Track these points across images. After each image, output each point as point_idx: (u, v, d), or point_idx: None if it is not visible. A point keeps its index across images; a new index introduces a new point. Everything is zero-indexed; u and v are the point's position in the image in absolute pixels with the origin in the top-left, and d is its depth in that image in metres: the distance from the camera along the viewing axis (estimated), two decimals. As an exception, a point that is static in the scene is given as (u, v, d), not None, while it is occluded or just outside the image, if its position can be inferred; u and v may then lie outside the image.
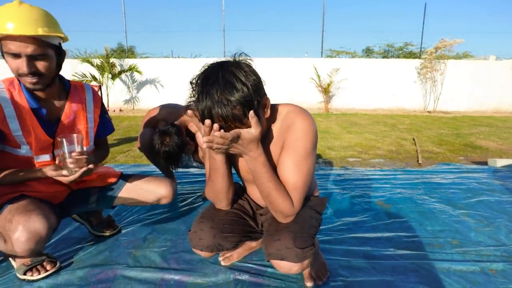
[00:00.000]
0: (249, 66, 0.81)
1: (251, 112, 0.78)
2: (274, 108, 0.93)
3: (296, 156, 0.87)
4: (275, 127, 0.92)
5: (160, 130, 1.70)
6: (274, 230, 0.93)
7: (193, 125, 1.90)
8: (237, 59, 0.82)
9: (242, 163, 1.00)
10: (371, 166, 2.86)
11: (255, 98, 0.79)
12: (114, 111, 7.75)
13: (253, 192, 1.11)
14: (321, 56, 9.17)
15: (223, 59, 0.85)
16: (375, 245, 1.35)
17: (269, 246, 0.90)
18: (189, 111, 0.81)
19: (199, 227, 1.01)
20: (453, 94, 8.17)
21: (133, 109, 8.40)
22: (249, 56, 0.84)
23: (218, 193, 1.01)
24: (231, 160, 1.02)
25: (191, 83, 0.82)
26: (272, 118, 0.92)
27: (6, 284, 1.11)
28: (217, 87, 0.75)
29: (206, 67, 0.81)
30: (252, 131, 0.81)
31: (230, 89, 0.75)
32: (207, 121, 0.76)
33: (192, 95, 0.81)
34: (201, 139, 0.82)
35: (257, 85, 0.80)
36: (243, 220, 1.08)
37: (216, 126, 0.77)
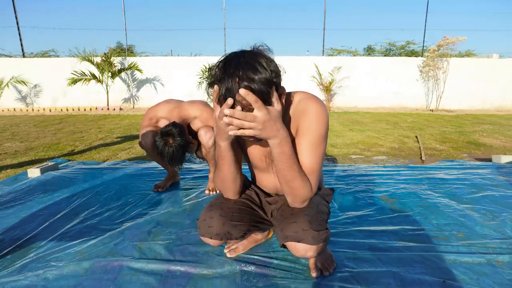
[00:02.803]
0: (268, 55, 0.82)
1: (273, 89, 0.80)
2: (287, 95, 0.95)
3: (311, 140, 0.89)
4: (289, 114, 0.94)
5: (163, 132, 1.66)
6: (289, 214, 0.95)
7: (195, 123, 1.88)
8: (256, 48, 0.83)
9: (255, 150, 1.01)
10: (374, 163, 2.85)
11: (276, 82, 0.80)
12: (114, 109, 7.75)
13: (264, 180, 1.11)
14: (322, 55, 9.16)
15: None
16: (380, 237, 1.35)
17: (285, 229, 0.91)
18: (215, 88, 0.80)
19: (209, 215, 1.01)
20: (456, 92, 8.14)
21: (133, 107, 8.41)
22: (268, 47, 0.84)
23: (224, 181, 1.01)
24: (244, 149, 1.03)
25: (210, 69, 0.83)
26: (286, 105, 0.94)
27: (13, 274, 1.11)
28: (240, 69, 0.76)
29: (227, 55, 0.82)
30: (276, 106, 0.81)
31: (253, 70, 0.76)
32: (229, 100, 0.75)
33: (212, 79, 0.81)
34: (217, 120, 0.80)
35: (277, 72, 0.81)
36: (251, 210, 1.09)
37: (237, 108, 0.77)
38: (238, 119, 0.76)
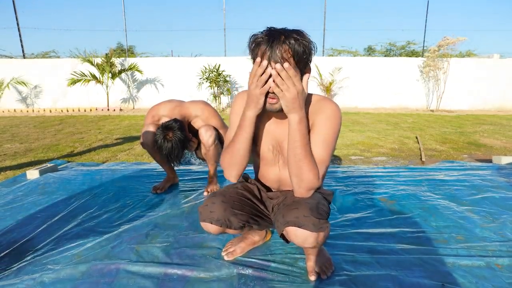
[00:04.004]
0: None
1: (306, 76, 0.91)
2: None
3: (324, 133, 0.95)
4: (306, 110, 0.98)
5: (163, 125, 1.69)
6: (291, 202, 0.97)
7: (196, 121, 1.89)
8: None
9: (265, 139, 1.05)
10: (373, 164, 2.84)
11: (311, 56, 0.89)
12: (114, 110, 7.76)
13: (269, 173, 1.12)
14: (323, 55, 9.15)
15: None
16: (379, 240, 1.34)
17: (287, 214, 0.92)
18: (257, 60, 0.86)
19: (211, 200, 1.03)
20: (456, 92, 8.13)
21: (133, 108, 8.41)
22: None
23: (235, 155, 1.00)
24: (253, 138, 1.05)
25: (254, 35, 0.89)
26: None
27: (9, 278, 1.11)
28: (286, 31, 0.86)
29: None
30: (305, 89, 0.91)
31: (298, 33, 0.86)
32: (280, 65, 0.84)
33: (255, 38, 0.88)
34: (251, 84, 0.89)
35: (314, 48, 0.89)
36: (252, 203, 1.10)
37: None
38: (282, 78, 0.84)
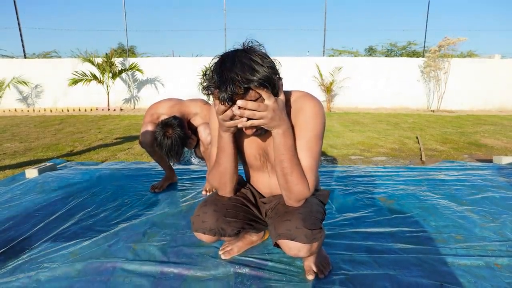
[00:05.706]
0: (261, 50, 0.82)
1: (278, 82, 0.82)
2: (284, 94, 0.94)
3: (307, 138, 0.90)
4: (287, 111, 0.93)
5: (163, 122, 1.69)
6: (283, 212, 0.94)
7: (196, 119, 1.88)
8: (248, 46, 0.83)
9: (250, 147, 1.02)
10: (373, 164, 2.83)
11: (274, 78, 0.80)
12: (115, 110, 7.76)
13: (258, 180, 1.10)
14: (323, 55, 9.14)
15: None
16: (377, 239, 1.33)
17: (279, 227, 0.90)
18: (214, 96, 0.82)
19: (202, 210, 1.00)
20: (457, 93, 8.10)
21: (134, 108, 8.42)
22: (258, 42, 0.84)
23: (223, 175, 1.00)
24: (239, 147, 1.03)
25: (204, 74, 0.83)
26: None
27: (4, 276, 1.10)
28: (236, 71, 0.75)
29: (219, 57, 0.82)
30: (281, 97, 0.85)
31: (250, 71, 0.76)
32: (241, 101, 0.78)
33: (208, 85, 0.81)
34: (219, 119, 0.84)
35: (274, 67, 0.81)
36: (246, 208, 1.08)
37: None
38: (251, 109, 0.78)
